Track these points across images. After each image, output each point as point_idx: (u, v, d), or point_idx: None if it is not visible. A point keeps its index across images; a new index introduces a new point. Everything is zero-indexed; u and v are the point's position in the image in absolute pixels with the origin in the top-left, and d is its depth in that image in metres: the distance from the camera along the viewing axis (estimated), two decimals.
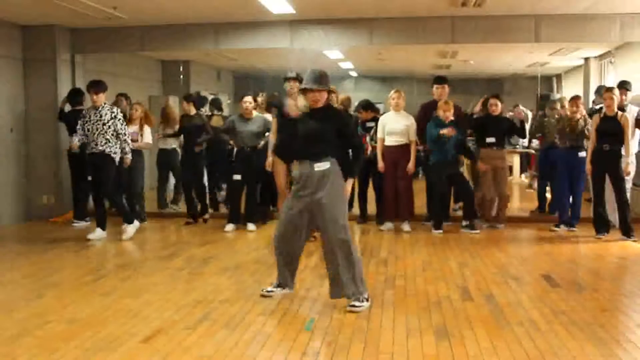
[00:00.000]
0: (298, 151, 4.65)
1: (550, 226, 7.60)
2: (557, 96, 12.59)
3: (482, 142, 7.79)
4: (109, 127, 7.16)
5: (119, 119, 7.24)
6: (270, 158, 7.07)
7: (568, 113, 7.50)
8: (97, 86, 7.24)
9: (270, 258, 6.19)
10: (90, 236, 7.20)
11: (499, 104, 7.80)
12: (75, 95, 8.36)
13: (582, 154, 7.36)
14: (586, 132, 7.30)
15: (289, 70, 6.98)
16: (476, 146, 8.07)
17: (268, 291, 4.81)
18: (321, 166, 4.51)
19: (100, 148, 7.16)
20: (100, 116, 7.15)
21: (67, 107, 8.41)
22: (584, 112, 7.54)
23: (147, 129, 8.29)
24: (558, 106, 8.48)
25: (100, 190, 7.29)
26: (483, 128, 7.80)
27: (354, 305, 4.42)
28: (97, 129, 7.13)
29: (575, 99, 7.65)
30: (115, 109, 7.36)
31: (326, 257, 4.63)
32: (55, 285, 5.21)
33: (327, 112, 4.64)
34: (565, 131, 7.41)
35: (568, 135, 7.39)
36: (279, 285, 4.83)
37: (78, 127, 7.28)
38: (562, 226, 7.54)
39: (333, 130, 4.56)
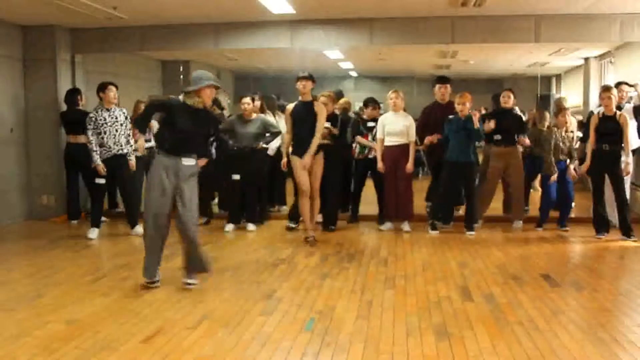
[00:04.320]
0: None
1: (556, 227, 7.64)
2: (556, 97, 12.62)
3: (490, 138, 7.72)
4: (125, 128, 7.20)
5: (130, 121, 7.32)
6: (285, 158, 7.09)
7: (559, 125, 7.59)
8: (116, 85, 7.27)
9: (270, 258, 6.21)
10: (91, 235, 7.25)
11: (512, 96, 7.82)
12: (72, 95, 8.36)
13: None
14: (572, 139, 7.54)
15: (301, 70, 7.00)
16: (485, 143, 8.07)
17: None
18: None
19: (125, 150, 7.19)
20: (116, 117, 7.16)
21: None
22: (572, 119, 7.66)
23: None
24: (547, 118, 8.49)
25: (128, 190, 7.41)
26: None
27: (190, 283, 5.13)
28: (116, 130, 7.14)
29: (562, 111, 7.69)
30: (124, 110, 7.42)
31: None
32: (55, 285, 5.21)
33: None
34: (558, 144, 7.43)
35: (560, 146, 7.45)
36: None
37: (89, 130, 7.17)
38: (543, 226, 7.64)
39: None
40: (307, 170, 6.87)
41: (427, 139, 7.70)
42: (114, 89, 7.22)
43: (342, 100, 8.34)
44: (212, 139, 6.95)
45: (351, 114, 8.66)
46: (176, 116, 4.97)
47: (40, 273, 5.69)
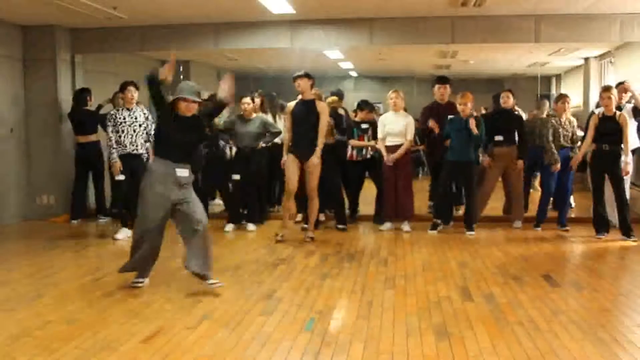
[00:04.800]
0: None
1: (556, 227, 7.61)
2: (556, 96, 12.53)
3: (491, 139, 7.72)
4: (144, 128, 7.20)
5: (152, 121, 7.33)
6: (285, 157, 7.06)
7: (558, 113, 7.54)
8: (136, 85, 7.25)
9: (270, 258, 6.21)
10: (118, 236, 7.24)
11: (511, 97, 7.83)
12: (81, 95, 8.39)
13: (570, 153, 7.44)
14: (575, 136, 7.42)
15: (298, 70, 7.01)
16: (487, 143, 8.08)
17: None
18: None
19: (140, 150, 7.19)
20: (136, 117, 7.17)
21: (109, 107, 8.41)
22: (570, 116, 7.54)
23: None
24: (546, 106, 8.44)
25: (133, 190, 7.38)
26: (492, 124, 7.75)
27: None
28: (134, 130, 7.15)
29: (563, 97, 7.64)
30: (146, 110, 7.40)
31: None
32: (55, 285, 5.21)
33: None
34: (558, 131, 7.41)
35: (560, 135, 7.40)
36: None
37: (109, 127, 7.16)
38: (541, 226, 7.60)
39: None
40: (299, 171, 6.87)
41: (431, 123, 7.63)
42: (132, 89, 7.20)
43: (329, 99, 8.31)
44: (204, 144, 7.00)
45: (340, 111, 8.63)
46: (166, 122, 4.96)
47: (40, 273, 5.69)
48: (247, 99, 7.68)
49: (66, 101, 8.83)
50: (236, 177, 7.66)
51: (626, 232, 6.96)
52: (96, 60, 9.94)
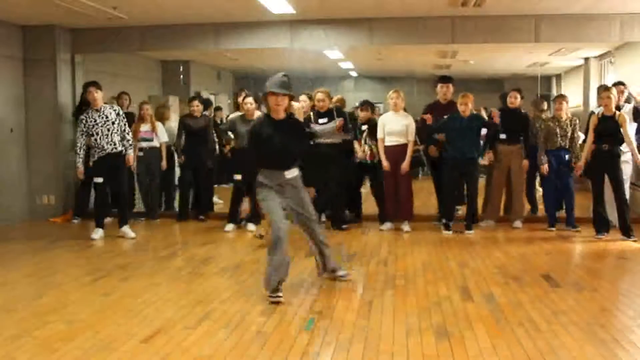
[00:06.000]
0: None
1: (545, 227, 7.61)
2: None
3: (496, 136, 7.72)
4: (118, 125, 7.19)
5: (123, 117, 7.31)
6: None
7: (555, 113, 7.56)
8: (98, 85, 7.24)
9: None
10: (94, 236, 7.24)
11: (518, 96, 7.85)
12: None
13: (568, 155, 7.43)
14: (575, 135, 7.40)
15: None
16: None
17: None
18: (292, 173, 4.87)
19: (118, 148, 7.18)
20: (106, 116, 7.16)
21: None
22: (569, 115, 7.52)
23: (160, 127, 8.45)
24: (544, 106, 8.45)
25: (122, 189, 7.39)
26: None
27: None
28: (108, 130, 7.14)
29: (560, 98, 7.66)
30: (116, 107, 7.41)
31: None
32: (56, 285, 5.21)
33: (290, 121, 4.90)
34: (554, 132, 7.41)
35: (556, 136, 7.40)
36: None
37: (79, 131, 7.18)
38: (555, 227, 7.56)
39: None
40: None
41: (427, 117, 7.58)
42: (92, 90, 7.13)
43: (335, 98, 8.29)
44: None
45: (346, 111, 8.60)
46: (262, 133, 4.80)
47: (40, 273, 5.69)
48: (250, 99, 7.67)
49: (66, 101, 8.84)
50: (237, 176, 7.65)
51: (626, 232, 6.96)
52: (96, 60, 9.94)
